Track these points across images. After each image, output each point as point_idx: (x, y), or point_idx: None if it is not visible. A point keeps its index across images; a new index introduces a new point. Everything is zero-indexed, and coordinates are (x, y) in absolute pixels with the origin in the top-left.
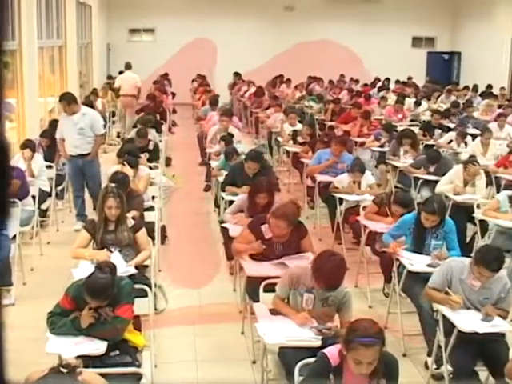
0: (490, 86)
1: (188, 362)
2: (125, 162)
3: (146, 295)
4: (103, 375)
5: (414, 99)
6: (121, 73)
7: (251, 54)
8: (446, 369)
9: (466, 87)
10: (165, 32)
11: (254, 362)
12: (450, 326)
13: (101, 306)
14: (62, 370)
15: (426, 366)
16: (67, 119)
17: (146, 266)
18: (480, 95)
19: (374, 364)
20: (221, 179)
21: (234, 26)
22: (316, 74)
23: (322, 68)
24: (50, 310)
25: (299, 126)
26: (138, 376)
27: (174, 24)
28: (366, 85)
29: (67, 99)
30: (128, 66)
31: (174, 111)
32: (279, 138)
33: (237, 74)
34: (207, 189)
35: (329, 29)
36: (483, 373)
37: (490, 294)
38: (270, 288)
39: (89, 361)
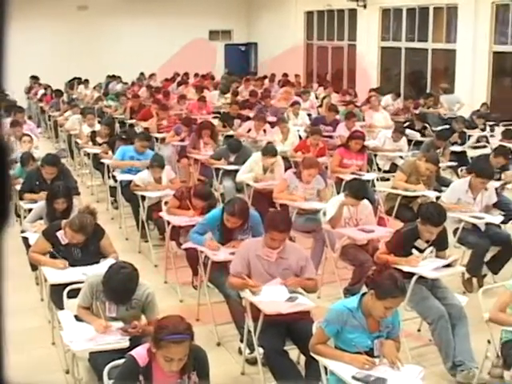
0: (285, 75)
1: None
2: None
3: None
4: None
5: (214, 92)
6: None
7: (48, 57)
8: (258, 352)
9: (264, 77)
10: None
11: (67, 372)
12: (257, 311)
13: None
14: None
15: (240, 352)
16: None
17: None
18: (277, 83)
19: (184, 360)
20: (18, 187)
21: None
22: (114, 72)
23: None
24: None
25: (98, 127)
26: None
27: None
28: (166, 80)
29: None
30: None
31: None
32: (78, 140)
33: (33, 78)
34: None
35: (125, 25)
36: (295, 351)
37: (288, 264)
38: (74, 294)
39: None
